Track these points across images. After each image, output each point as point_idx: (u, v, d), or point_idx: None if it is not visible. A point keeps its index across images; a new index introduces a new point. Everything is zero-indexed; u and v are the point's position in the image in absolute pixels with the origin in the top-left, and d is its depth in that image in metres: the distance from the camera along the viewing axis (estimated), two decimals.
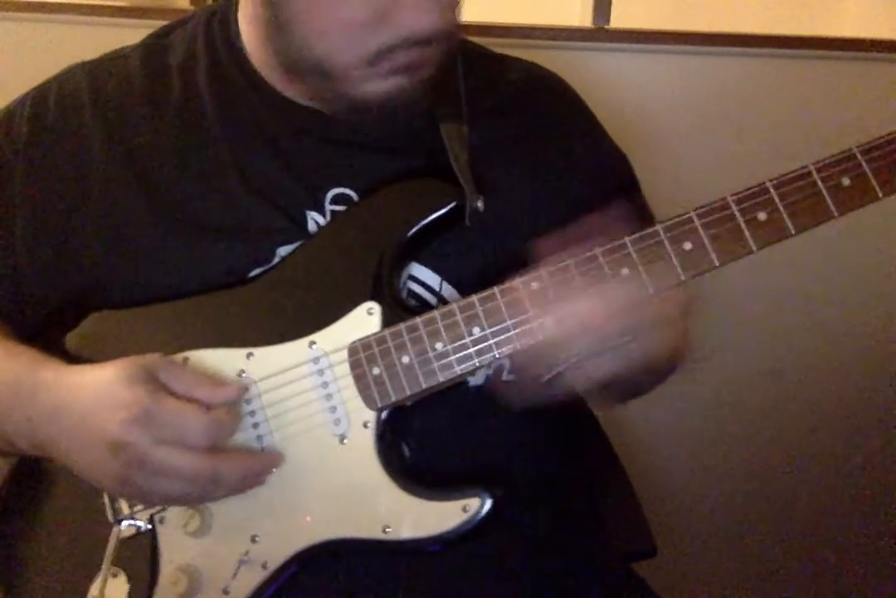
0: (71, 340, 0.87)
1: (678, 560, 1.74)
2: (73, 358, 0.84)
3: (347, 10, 0.75)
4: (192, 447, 0.73)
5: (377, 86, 0.79)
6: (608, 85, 1.60)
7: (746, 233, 0.72)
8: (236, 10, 0.89)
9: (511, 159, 0.90)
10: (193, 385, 0.76)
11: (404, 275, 0.84)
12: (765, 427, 1.81)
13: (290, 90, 0.86)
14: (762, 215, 0.71)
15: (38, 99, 0.90)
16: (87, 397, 0.75)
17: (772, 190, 0.71)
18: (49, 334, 0.88)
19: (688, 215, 0.72)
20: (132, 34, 0.94)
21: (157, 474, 0.73)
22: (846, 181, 0.70)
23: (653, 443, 1.79)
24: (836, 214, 0.71)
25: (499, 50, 0.99)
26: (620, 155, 1.01)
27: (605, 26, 1.65)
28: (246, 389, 0.80)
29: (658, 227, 0.73)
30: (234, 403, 0.78)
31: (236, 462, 0.76)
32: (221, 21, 0.90)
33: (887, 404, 1.79)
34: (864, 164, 0.70)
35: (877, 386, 1.79)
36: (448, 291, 0.85)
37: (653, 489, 1.74)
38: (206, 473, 0.74)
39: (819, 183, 0.71)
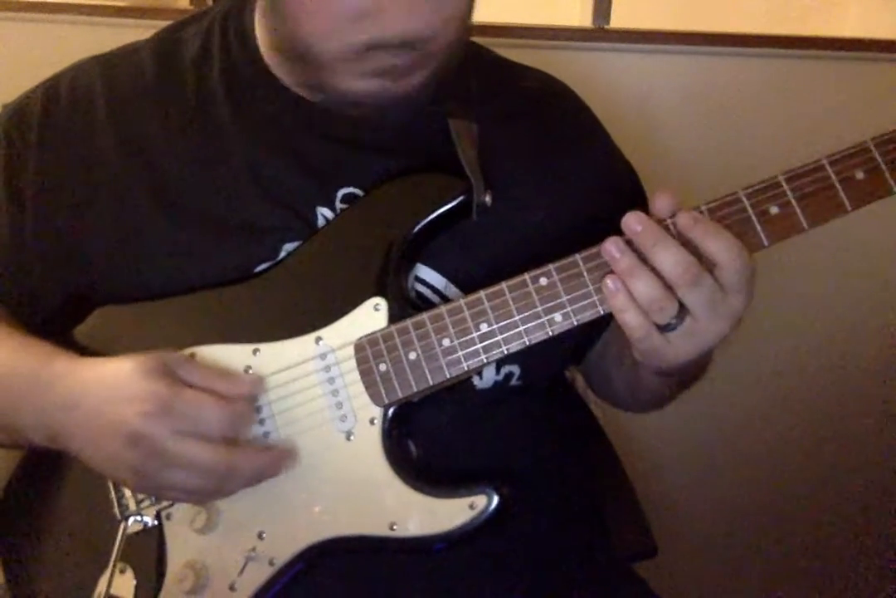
0: (78, 334, 0.88)
1: (678, 560, 1.74)
2: (80, 352, 0.84)
3: (333, 2, 0.73)
4: (210, 439, 0.73)
5: (361, 84, 0.78)
6: (608, 85, 1.60)
7: (758, 227, 0.71)
8: (253, 6, 0.88)
9: (519, 162, 0.90)
10: (211, 379, 0.77)
11: (412, 273, 0.83)
12: (765, 428, 1.81)
13: (300, 87, 0.86)
14: (774, 209, 0.70)
15: (50, 92, 0.90)
16: (103, 389, 0.75)
17: (784, 183, 0.70)
18: (57, 329, 0.88)
19: (698, 210, 0.71)
20: (132, 34, 0.94)
21: (174, 467, 0.73)
22: (860, 175, 0.69)
23: (653, 444, 1.79)
24: (849, 208, 0.70)
25: (498, 50, 0.99)
26: (629, 168, 1.00)
27: (605, 26, 1.65)
28: (262, 383, 0.80)
29: (669, 222, 0.71)
30: (251, 396, 0.78)
31: (252, 455, 0.76)
32: (237, 18, 0.89)
33: (888, 405, 1.79)
34: (878, 157, 0.69)
35: (878, 387, 1.79)
36: (453, 292, 0.84)
37: (653, 490, 1.74)
38: (223, 465, 0.74)
39: (832, 176, 0.69)
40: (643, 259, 0.70)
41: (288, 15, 0.76)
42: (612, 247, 0.70)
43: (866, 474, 1.83)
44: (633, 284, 0.69)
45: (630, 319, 0.70)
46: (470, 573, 0.84)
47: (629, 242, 0.70)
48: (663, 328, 0.70)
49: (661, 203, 0.71)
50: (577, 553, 0.92)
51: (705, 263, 0.69)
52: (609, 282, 0.70)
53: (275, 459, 0.78)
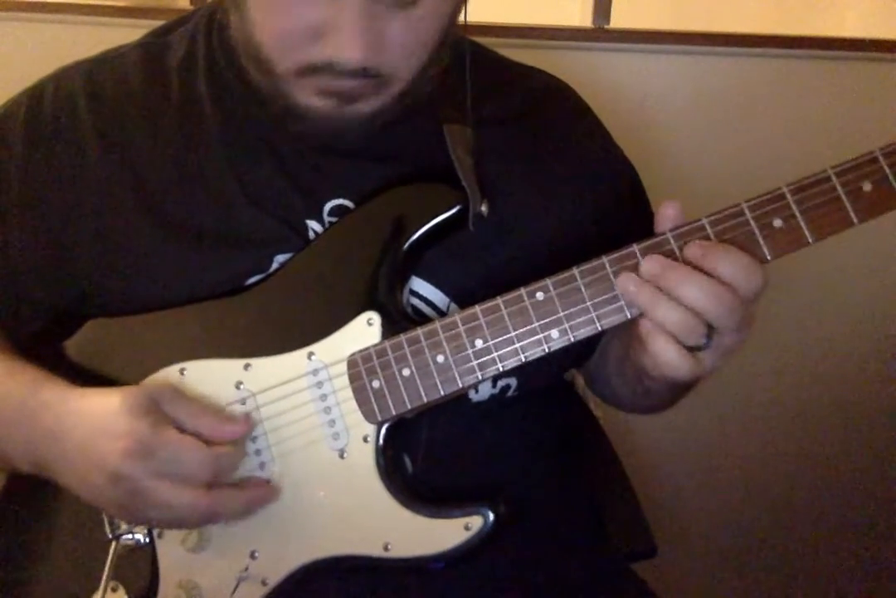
0: (69, 347, 0.86)
1: (678, 560, 1.74)
2: (70, 366, 0.83)
3: (286, 16, 0.73)
4: (191, 483, 0.72)
5: (314, 101, 0.77)
6: (608, 85, 1.60)
7: (761, 241, 0.68)
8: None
9: (516, 167, 0.88)
10: (199, 417, 0.75)
11: (406, 286, 0.82)
12: (765, 428, 1.81)
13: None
14: (778, 223, 0.68)
15: (34, 101, 0.88)
16: (89, 423, 0.74)
17: (788, 195, 0.68)
18: (47, 342, 0.87)
19: (700, 223, 0.69)
20: (132, 34, 0.93)
21: (154, 507, 0.72)
22: (867, 186, 0.67)
23: (653, 443, 1.79)
24: (856, 221, 0.67)
25: (499, 50, 0.98)
26: (630, 169, 0.99)
27: (605, 26, 1.65)
28: (254, 423, 0.78)
29: (668, 234, 0.70)
30: (238, 438, 0.77)
31: (233, 496, 0.75)
32: (220, 21, 0.88)
33: (889, 404, 1.79)
34: (886, 168, 0.66)
35: (878, 387, 1.79)
36: (449, 306, 0.83)
37: (653, 490, 1.74)
38: (201, 509, 0.73)
39: (839, 188, 0.67)
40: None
41: (251, 21, 0.76)
42: (627, 284, 0.69)
43: (867, 474, 1.83)
44: (660, 313, 0.68)
45: (662, 348, 0.69)
46: (468, 574, 0.83)
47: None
48: (694, 349, 0.69)
49: (666, 213, 0.70)
50: (576, 554, 0.91)
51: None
52: (645, 324, 0.69)
53: (255, 500, 0.76)
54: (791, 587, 1.87)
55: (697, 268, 0.68)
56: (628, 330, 0.75)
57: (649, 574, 0.98)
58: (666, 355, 0.69)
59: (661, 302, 0.67)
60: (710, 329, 0.68)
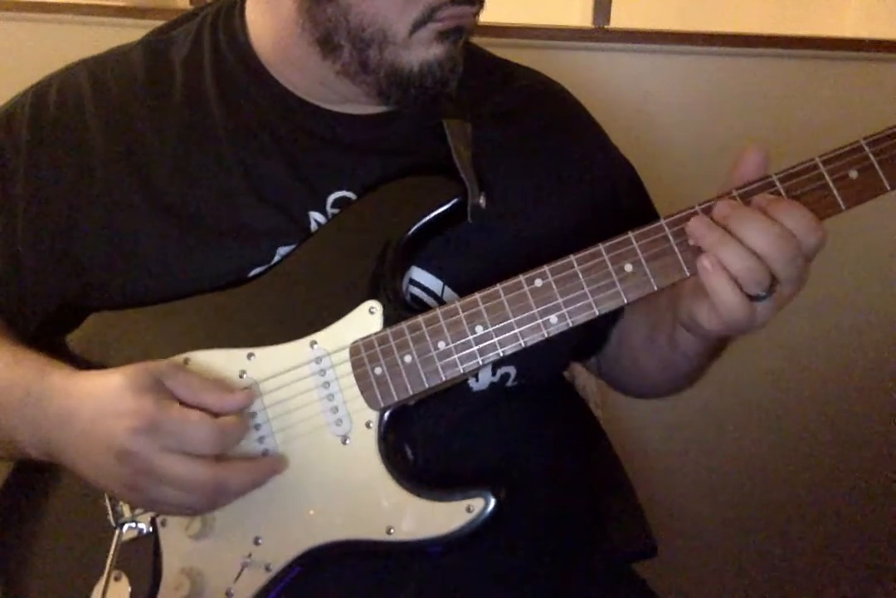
0: (72, 340, 0.87)
1: (678, 560, 1.74)
2: (73, 359, 0.84)
3: None
4: (198, 456, 0.73)
5: (417, 54, 0.78)
6: (608, 85, 1.60)
7: None
8: (242, 5, 0.88)
9: (513, 162, 0.89)
10: (201, 391, 0.76)
11: (407, 276, 0.83)
12: (765, 427, 1.81)
13: (299, 86, 0.86)
14: None
15: (39, 98, 0.89)
16: (94, 404, 0.75)
17: (777, 183, 0.70)
18: (51, 335, 0.88)
19: (693, 210, 0.71)
20: (132, 34, 0.94)
21: (164, 483, 0.73)
22: (853, 174, 0.69)
23: (653, 443, 1.80)
24: (843, 207, 0.70)
25: (498, 50, 0.99)
26: (625, 163, 1.00)
27: (605, 26, 1.66)
28: (255, 395, 0.79)
29: (662, 221, 0.72)
30: (241, 410, 0.77)
31: (241, 468, 0.76)
32: (227, 17, 0.89)
33: (889, 404, 1.79)
34: (871, 156, 0.69)
35: (879, 387, 1.79)
36: (448, 294, 0.84)
37: (653, 489, 1.74)
38: (211, 481, 0.73)
39: (826, 176, 0.69)
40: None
41: (342, 5, 0.77)
42: (698, 224, 0.69)
43: (867, 472, 1.83)
44: (727, 255, 0.68)
45: (723, 287, 0.69)
46: (468, 574, 0.83)
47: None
48: (754, 299, 0.70)
49: (754, 159, 0.71)
50: (576, 553, 0.91)
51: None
52: (706, 262, 0.69)
53: (264, 470, 0.77)
54: (791, 587, 1.87)
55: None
56: (673, 291, 0.77)
57: (649, 574, 0.98)
58: (725, 295, 0.69)
59: (730, 243, 0.68)
60: (772, 280, 0.69)
